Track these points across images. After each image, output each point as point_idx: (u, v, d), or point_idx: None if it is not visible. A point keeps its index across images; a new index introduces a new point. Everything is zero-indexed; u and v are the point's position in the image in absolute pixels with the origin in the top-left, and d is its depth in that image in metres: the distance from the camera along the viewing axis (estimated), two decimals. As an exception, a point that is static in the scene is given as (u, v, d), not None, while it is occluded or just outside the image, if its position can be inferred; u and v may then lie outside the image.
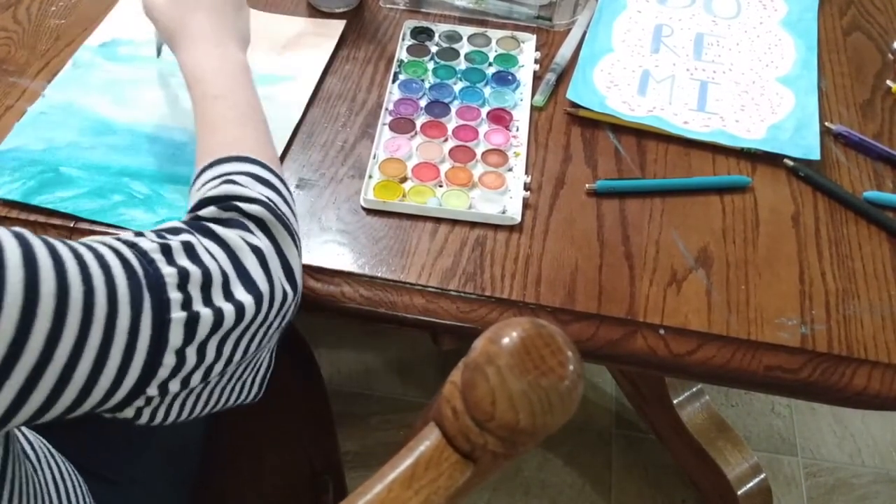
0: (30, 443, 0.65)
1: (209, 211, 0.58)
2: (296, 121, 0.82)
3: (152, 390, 0.52)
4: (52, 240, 0.48)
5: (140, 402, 0.52)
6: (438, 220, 0.75)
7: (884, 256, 0.74)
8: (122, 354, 0.48)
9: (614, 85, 0.87)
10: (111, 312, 0.48)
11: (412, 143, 0.81)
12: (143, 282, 0.50)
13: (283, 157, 0.79)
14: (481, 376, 0.43)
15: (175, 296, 0.51)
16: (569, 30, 0.94)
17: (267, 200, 0.59)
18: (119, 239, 0.53)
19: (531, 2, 0.95)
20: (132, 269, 0.50)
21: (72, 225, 0.73)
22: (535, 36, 0.93)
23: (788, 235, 0.75)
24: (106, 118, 0.82)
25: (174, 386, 0.53)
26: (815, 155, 0.80)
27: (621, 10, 0.97)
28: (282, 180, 0.63)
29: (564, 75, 0.88)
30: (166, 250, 0.53)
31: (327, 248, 0.72)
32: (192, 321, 0.52)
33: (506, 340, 0.43)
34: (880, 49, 0.93)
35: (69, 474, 0.68)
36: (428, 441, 0.45)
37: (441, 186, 0.78)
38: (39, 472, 0.63)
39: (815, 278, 0.72)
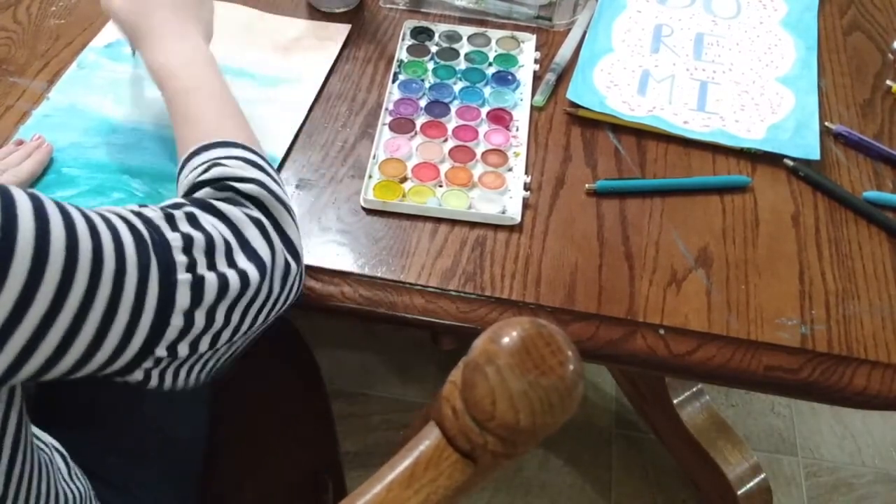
0: (41, 439, 0.65)
1: (204, 192, 0.59)
2: (299, 123, 0.82)
3: (161, 351, 0.53)
4: (61, 202, 0.49)
5: (149, 363, 0.53)
6: (438, 220, 0.75)
7: (884, 256, 0.74)
8: (129, 312, 0.50)
9: (614, 85, 0.87)
10: (119, 270, 0.49)
11: (412, 143, 0.81)
12: (150, 244, 0.51)
13: (283, 158, 0.79)
14: (481, 376, 0.43)
15: (180, 259, 0.53)
16: (569, 30, 0.94)
17: (260, 180, 0.60)
18: (124, 208, 0.55)
19: (531, 2, 0.95)
20: (138, 232, 0.51)
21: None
22: (535, 36, 0.93)
23: (788, 235, 0.75)
24: (108, 117, 0.82)
25: (183, 349, 0.54)
26: (815, 155, 0.80)
27: (621, 10, 0.97)
28: (267, 162, 0.64)
29: (564, 75, 0.88)
30: (170, 218, 0.55)
31: (327, 248, 0.72)
32: (197, 284, 0.53)
33: (506, 340, 0.43)
34: (880, 49, 0.93)
35: (77, 476, 0.68)
36: (428, 441, 0.45)
37: (441, 186, 0.78)
38: (52, 464, 0.63)
39: (815, 278, 0.72)
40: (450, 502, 0.45)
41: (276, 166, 0.78)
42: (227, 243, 0.56)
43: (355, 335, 1.56)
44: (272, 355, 0.88)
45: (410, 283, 0.70)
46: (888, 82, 0.89)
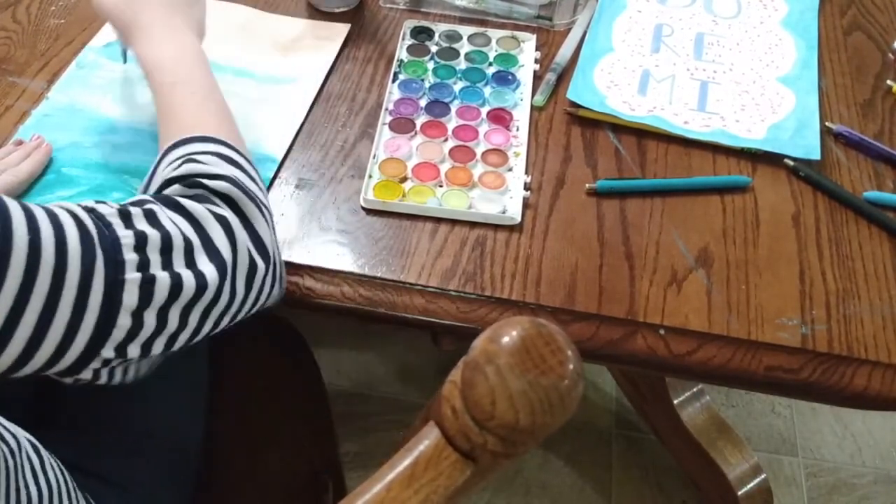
0: (11, 433, 0.64)
1: (174, 189, 0.59)
2: (298, 124, 0.82)
3: (108, 352, 0.51)
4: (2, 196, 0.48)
5: (96, 363, 0.52)
6: (438, 220, 0.75)
7: (884, 256, 0.74)
8: (71, 310, 0.48)
9: (614, 85, 0.87)
10: (59, 266, 0.47)
11: (412, 143, 0.81)
12: (97, 241, 0.50)
13: (283, 158, 0.79)
14: (481, 375, 0.43)
15: (130, 257, 0.51)
16: (569, 29, 0.94)
17: (232, 177, 0.59)
18: (78, 204, 0.53)
19: (531, 1, 0.95)
20: (85, 229, 0.50)
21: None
22: (535, 36, 0.93)
23: (789, 235, 0.75)
24: (108, 117, 0.82)
25: (133, 350, 0.53)
26: (816, 155, 0.80)
27: (621, 9, 0.97)
28: (246, 158, 0.63)
29: (565, 75, 0.88)
30: (125, 215, 0.53)
31: (327, 248, 0.72)
32: (147, 283, 0.51)
33: (505, 339, 0.43)
34: (880, 49, 0.93)
35: (54, 470, 0.67)
36: (427, 440, 0.45)
37: (441, 186, 0.78)
38: (17, 458, 0.62)
39: (815, 278, 0.71)
40: (450, 502, 0.44)
41: (275, 166, 0.78)
42: (188, 241, 0.54)
43: (355, 335, 1.56)
44: (272, 355, 0.88)
45: (410, 283, 0.70)
46: (888, 82, 0.89)
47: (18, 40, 0.91)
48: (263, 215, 0.60)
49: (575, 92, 0.86)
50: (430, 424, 0.46)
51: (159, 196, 0.58)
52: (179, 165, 0.60)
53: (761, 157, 0.81)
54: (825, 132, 0.83)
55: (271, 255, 0.60)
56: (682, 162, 0.81)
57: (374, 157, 0.79)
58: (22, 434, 0.66)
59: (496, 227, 0.74)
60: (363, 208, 0.75)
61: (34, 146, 0.77)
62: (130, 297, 0.51)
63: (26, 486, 0.62)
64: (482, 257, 0.72)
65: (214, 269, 0.55)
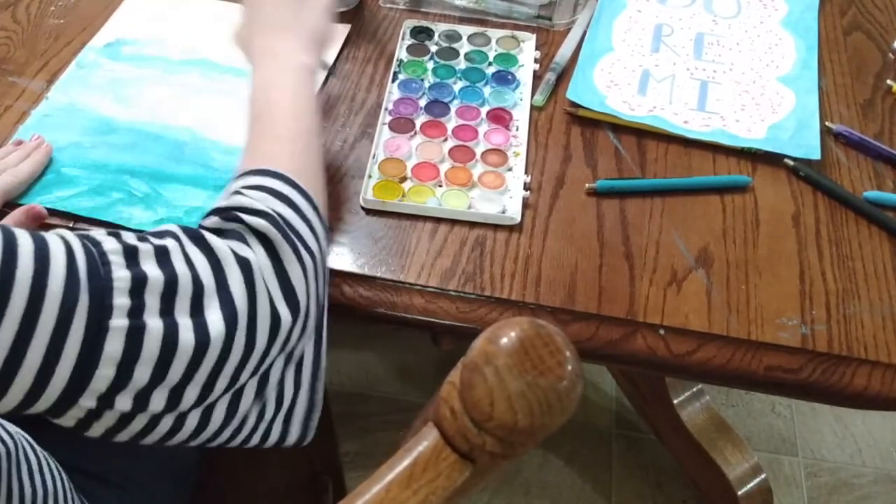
0: (8, 432, 0.64)
1: (212, 220, 0.56)
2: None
3: (88, 402, 0.48)
4: None
5: (77, 412, 0.48)
6: (438, 220, 0.75)
7: (884, 256, 0.73)
8: (42, 356, 0.45)
9: (614, 84, 0.87)
10: (32, 308, 0.44)
11: (412, 143, 0.81)
12: (84, 282, 0.46)
13: (282, 157, 0.79)
14: (479, 376, 0.43)
15: (121, 301, 0.47)
16: (569, 29, 0.94)
17: (274, 214, 0.55)
18: (84, 235, 0.50)
19: (531, 1, 0.95)
20: (74, 268, 0.47)
21: (71, 225, 0.73)
22: (535, 35, 0.93)
23: (789, 235, 0.75)
24: (107, 117, 0.82)
25: (124, 402, 0.48)
26: (816, 155, 0.80)
27: (621, 9, 0.97)
28: (306, 197, 0.58)
29: (564, 75, 0.88)
30: (130, 253, 0.49)
31: (327, 247, 0.72)
32: (135, 332, 0.47)
33: (504, 340, 0.43)
34: (881, 48, 0.93)
35: (50, 470, 0.67)
36: (426, 441, 0.45)
37: (441, 186, 0.78)
38: (13, 457, 0.62)
39: (815, 278, 0.71)
40: (448, 503, 0.44)
41: None
42: (199, 285, 0.50)
43: (355, 335, 1.56)
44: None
45: (410, 283, 0.70)
46: (888, 82, 0.89)
47: (18, 40, 0.91)
48: (301, 261, 0.54)
49: (575, 92, 0.86)
50: (429, 425, 0.46)
51: (189, 228, 0.54)
52: (227, 197, 0.57)
53: (761, 157, 0.81)
54: (825, 132, 0.83)
55: (302, 306, 0.54)
56: (682, 162, 0.81)
57: (373, 157, 0.79)
58: (19, 433, 0.66)
59: (496, 227, 0.74)
60: (363, 208, 0.75)
61: (34, 146, 0.77)
62: (113, 346, 0.47)
63: (21, 486, 0.62)
64: (482, 257, 0.72)
65: (222, 320, 0.50)
